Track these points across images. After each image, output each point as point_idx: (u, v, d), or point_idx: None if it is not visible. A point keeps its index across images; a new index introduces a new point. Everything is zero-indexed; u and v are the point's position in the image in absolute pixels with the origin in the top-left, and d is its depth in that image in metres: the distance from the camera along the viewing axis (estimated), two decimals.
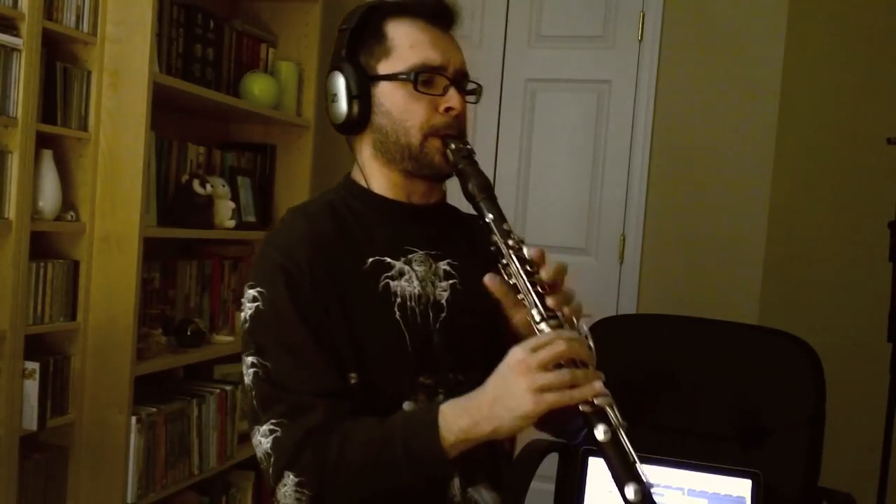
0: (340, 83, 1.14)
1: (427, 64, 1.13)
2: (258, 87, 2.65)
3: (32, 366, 1.99)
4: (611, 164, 3.09)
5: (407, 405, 1.10)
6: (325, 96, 1.18)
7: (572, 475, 1.86)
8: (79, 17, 2.07)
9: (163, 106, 2.23)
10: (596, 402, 0.94)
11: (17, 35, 1.90)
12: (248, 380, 1.10)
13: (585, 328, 1.01)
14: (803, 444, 1.77)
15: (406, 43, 1.14)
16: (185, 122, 2.66)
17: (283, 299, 1.07)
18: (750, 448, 1.81)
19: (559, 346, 0.95)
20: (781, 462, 1.75)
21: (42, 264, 2.02)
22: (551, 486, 1.95)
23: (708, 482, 1.63)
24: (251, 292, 1.10)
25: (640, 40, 3.03)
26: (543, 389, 0.94)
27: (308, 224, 1.15)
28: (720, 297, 2.89)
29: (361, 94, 1.14)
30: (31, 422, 1.98)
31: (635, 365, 1.91)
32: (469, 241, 1.22)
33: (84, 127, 2.11)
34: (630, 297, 3.05)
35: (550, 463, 1.92)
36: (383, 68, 1.14)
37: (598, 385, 0.95)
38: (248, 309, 1.10)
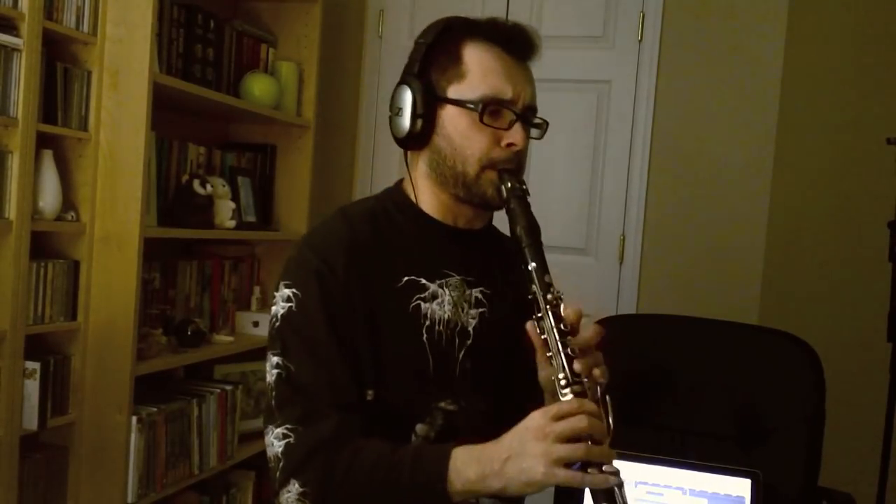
0: (407, 98, 1.13)
1: (497, 97, 1.11)
2: (258, 87, 2.65)
3: (33, 366, 1.99)
4: (611, 164, 3.08)
5: (420, 428, 1.10)
6: (390, 107, 1.16)
7: None
8: (79, 17, 2.07)
9: (163, 106, 2.23)
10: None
11: (17, 35, 1.90)
12: (270, 378, 1.09)
13: (608, 398, 1.01)
14: (803, 443, 1.77)
15: (479, 70, 1.12)
16: (185, 122, 2.66)
17: (314, 303, 1.07)
18: (749, 448, 1.81)
19: (580, 423, 0.94)
20: (781, 462, 1.75)
21: (42, 264, 2.02)
22: (551, 486, 1.95)
23: (707, 482, 1.62)
24: (286, 292, 1.09)
25: (640, 40, 3.03)
26: (558, 462, 0.94)
27: (348, 229, 1.14)
28: (720, 297, 2.88)
29: (426, 113, 1.13)
30: (31, 422, 1.99)
31: (635, 365, 1.91)
32: (505, 269, 1.20)
33: (84, 127, 2.11)
34: (630, 297, 3.05)
35: None
36: (453, 92, 1.13)
37: (611, 467, 0.94)
38: (280, 308, 1.09)
